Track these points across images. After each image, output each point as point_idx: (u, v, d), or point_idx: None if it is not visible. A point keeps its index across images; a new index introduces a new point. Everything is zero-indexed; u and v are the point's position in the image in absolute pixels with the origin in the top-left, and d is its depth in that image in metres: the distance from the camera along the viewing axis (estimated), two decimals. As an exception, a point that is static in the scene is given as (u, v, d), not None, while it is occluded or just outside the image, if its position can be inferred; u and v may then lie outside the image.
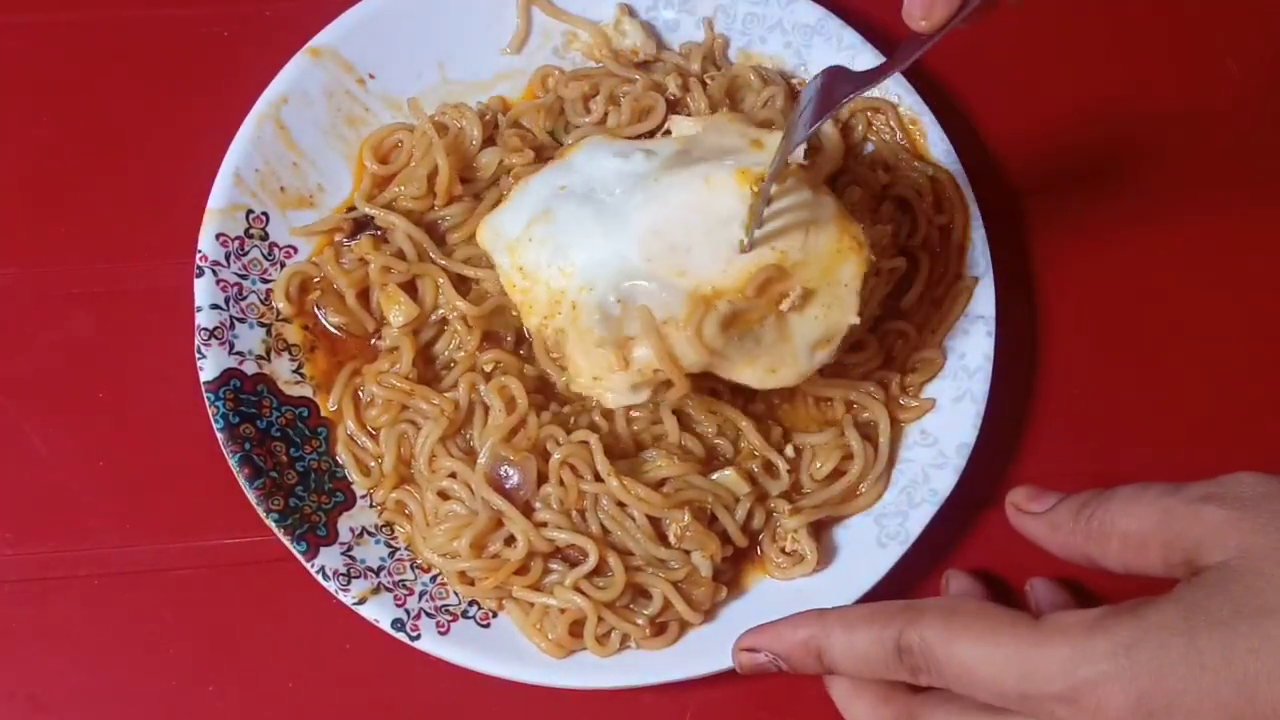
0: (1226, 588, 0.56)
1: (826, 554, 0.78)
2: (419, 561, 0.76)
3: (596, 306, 0.71)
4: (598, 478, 0.74)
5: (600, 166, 0.75)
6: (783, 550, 0.77)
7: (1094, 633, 0.56)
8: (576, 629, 0.73)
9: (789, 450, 0.79)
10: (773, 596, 0.77)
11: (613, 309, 0.71)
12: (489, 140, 0.83)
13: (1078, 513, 0.65)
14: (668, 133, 0.80)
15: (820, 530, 0.78)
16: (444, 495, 0.76)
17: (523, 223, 0.74)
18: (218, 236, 0.78)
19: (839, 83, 0.67)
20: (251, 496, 0.74)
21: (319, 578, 0.74)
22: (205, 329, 0.77)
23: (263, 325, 0.79)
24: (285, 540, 0.74)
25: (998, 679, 0.57)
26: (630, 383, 0.73)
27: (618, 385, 0.73)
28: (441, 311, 0.79)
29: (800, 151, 0.76)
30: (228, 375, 0.76)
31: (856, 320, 0.73)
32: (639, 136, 0.81)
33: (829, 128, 0.83)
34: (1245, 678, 0.53)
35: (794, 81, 0.86)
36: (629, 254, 0.71)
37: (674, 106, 0.84)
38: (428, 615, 0.74)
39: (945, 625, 0.59)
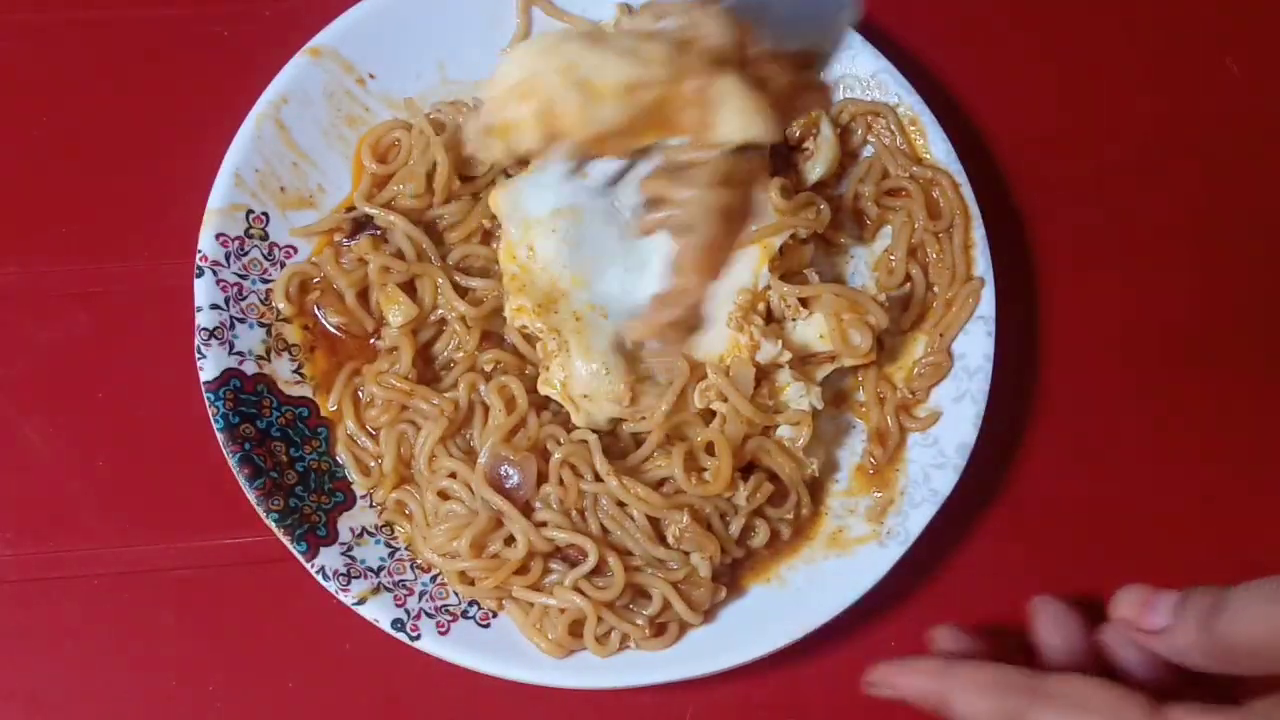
0: None
1: (825, 555, 0.78)
2: (419, 561, 0.76)
3: (612, 332, 0.75)
4: (597, 477, 0.74)
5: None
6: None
7: None
8: (576, 629, 0.73)
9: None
10: (772, 598, 0.77)
11: (627, 343, 0.75)
12: (486, 135, 0.83)
13: (1199, 633, 0.61)
14: None
15: (819, 532, 0.78)
16: (444, 495, 0.76)
17: (547, 206, 0.77)
18: (218, 236, 0.78)
19: None
20: (251, 496, 0.74)
21: (319, 578, 0.74)
22: (205, 329, 0.77)
23: (263, 325, 0.79)
24: (285, 540, 0.74)
25: None
26: (620, 414, 0.75)
27: (605, 411, 0.75)
28: (441, 311, 0.79)
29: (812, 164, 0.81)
30: (228, 375, 0.76)
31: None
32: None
33: (827, 130, 0.82)
34: None
35: (794, 81, 0.86)
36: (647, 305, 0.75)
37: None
38: (428, 615, 0.74)
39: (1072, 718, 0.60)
